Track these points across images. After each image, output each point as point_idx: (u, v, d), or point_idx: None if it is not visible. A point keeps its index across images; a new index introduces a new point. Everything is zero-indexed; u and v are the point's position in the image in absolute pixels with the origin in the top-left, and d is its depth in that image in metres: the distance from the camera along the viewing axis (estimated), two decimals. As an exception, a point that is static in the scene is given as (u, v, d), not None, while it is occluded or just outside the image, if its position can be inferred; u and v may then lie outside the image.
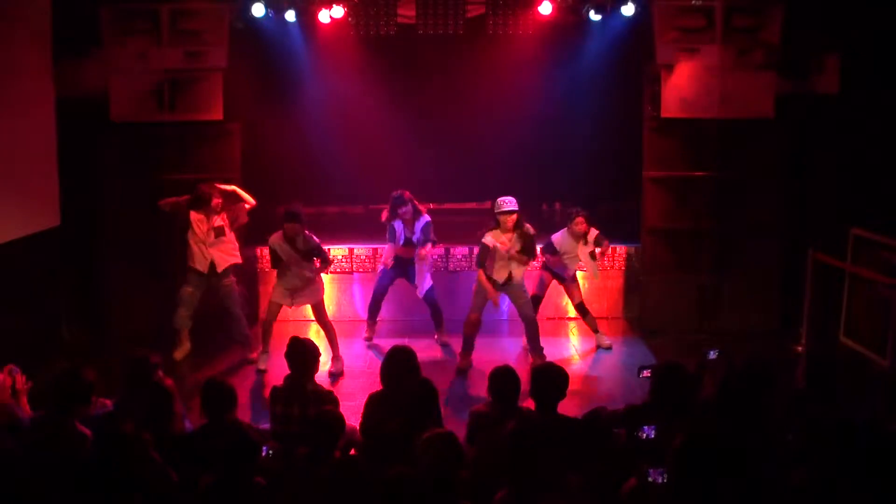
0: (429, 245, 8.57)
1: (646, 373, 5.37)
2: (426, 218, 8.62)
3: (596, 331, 8.87)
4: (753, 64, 8.98)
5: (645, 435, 4.70)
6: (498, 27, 9.87)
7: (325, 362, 7.95)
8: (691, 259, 9.41)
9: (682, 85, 8.99)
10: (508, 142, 10.42)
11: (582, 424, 5.17)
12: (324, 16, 9.32)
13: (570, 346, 8.96)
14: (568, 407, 5.48)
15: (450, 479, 4.23)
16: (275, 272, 8.26)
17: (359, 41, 10.01)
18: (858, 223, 8.31)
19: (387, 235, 8.76)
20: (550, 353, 8.49)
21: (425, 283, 8.68)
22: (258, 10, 9.04)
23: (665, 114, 9.18)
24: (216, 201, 8.25)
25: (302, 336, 5.99)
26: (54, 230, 8.42)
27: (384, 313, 9.29)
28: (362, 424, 5.58)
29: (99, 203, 9.22)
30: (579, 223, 8.43)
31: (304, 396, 5.60)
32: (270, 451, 4.75)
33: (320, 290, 8.28)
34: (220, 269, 8.33)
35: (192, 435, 5.27)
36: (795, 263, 8.85)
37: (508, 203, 7.93)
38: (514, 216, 7.91)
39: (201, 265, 8.30)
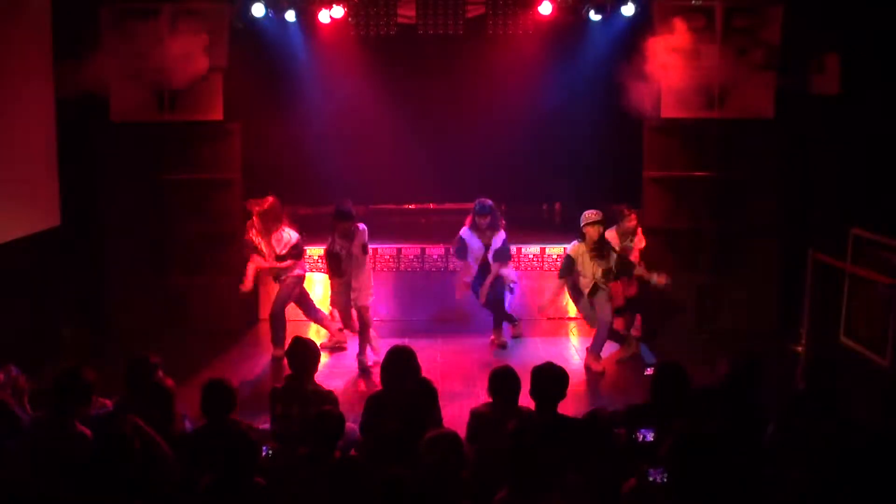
0: (510, 269, 8.63)
1: (649, 370, 5.38)
2: (503, 234, 8.59)
3: (627, 329, 8.84)
4: (753, 64, 8.98)
5: (642, 437, 4.70)
6: (498, 27, 9.88)
7: (324, 363, 7.98)
8: (691, 259, 9.42)
9: (682, 85, 8.99)
10: (508, 142, 10.43)
11: (582, 424, 5.17)
12: (324, 16, 9.33)
13: (570, 346, 8.95)
14: (568, 407, 5.48)
15: (451, 479, 4.23)
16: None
17: (359, 41, 10.02)
18: (858, 223, 8.30)
19: (454, 251, 8.71)
20: (550, 353, 8.50)
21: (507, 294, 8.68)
22: (258, 10, 9.06)
23: (665, 114, 9.19)
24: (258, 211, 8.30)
25: (303, 336, 6.00)
26: (54, 230, 8.42)
27: (384, 313, 9.28)
28: (362, 424, 5.59)
29: (99, 203, 9.23)
30: (632, 219, 8.53)
31: (304, 396, 5.60)
32: (270, 451, 4.75)
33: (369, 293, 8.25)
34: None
35: (192, 435, 5.27)
36: (795, 263, 8.85)
37: (593, 214, 7.97)
38: (599, 228, 7.93)
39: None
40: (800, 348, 8.49)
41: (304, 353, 5.77)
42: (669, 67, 8.82)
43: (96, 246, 9.26)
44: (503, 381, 5.25)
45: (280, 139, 10.20)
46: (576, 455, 4.56)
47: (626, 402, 5.57)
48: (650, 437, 4.70)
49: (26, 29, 8.01)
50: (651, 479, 4.06)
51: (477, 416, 5.28)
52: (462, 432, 4.94)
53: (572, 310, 9.59)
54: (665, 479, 4.01)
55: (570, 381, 5.22)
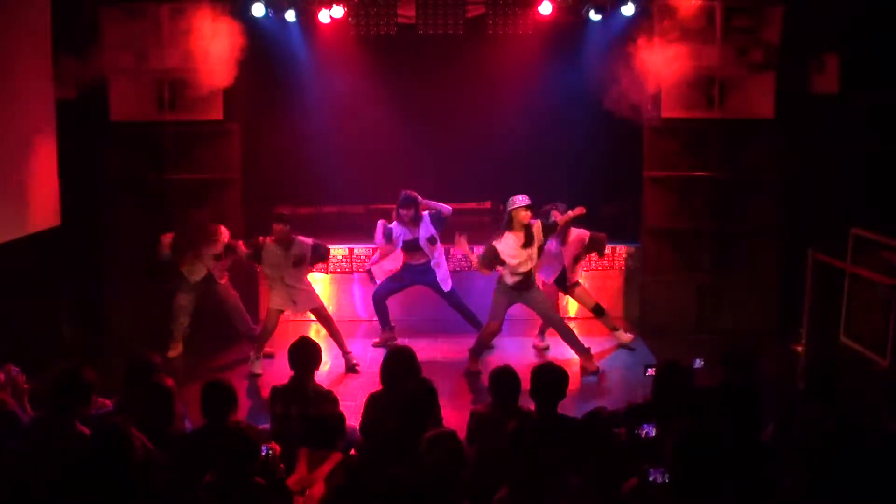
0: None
1: (651, 371, 5.39)
2: (427, 217, 8.59)
3: (615, 329, 8.84)
4: (753, 64, 8.98)
5: (645, 433, 4.71)
6: (498, 27, 9.85)
7: (325, 361, 7.98)
8: (691, 259, 9.42)
9: (682, 85, 8.99)
10: (508, 142, 10.41)
11: (582, 424, 5.17)
12: (324, 16, 9.32)
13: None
14: (568, 407, 5.48)
15: (451, 479, 4.23)
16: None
17: (359, 41, 10.01)
18: (858, 223, 8.30)
19: (377, 238, 8.65)
20: (550, 353, 8.51)
21: (447, 280, 8.64)
22: (258, 10, 9.05)
23: (665, 114, 9.19)
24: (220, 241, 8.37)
25: (306, 336, 6.00)
26: (54, 230, 8.41)
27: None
28: (362, 424, 5.59)
29: (99, 203, 9.22)
30: (556, 214, 8.28)
31: (304, 396, 5.60)
32: (270, 451, 4.75)
33: (315, 295, 8.30)
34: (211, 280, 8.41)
35: (192, 435, 5.27)
36: (795, 263, 8.85)
37: (521, 199, 7.82)
38: (527, 213, 7.78)
39: (196, 276, 8.35)
40: (800, 348, 8.49)
41: (306, 352, 5.78)
42: (669, 67, 8.83)
43: (96, 246, 9.26)
44: (503, 381, 5.25)
45: (280, 139, 10.19)
46: (576, 455, 4.56)
47: (626, 402, 5.57)
48: (652, 432, 4.71)
49: (26, 29, 8.01)
50: (652, 478, 4.07)
51: (477, 416, 5.28)
52: (462, 432, 4.94)
53: (572, 310, 9.60)
54: (666, 479, 4.01)
55: (570, 381, 5.22)
